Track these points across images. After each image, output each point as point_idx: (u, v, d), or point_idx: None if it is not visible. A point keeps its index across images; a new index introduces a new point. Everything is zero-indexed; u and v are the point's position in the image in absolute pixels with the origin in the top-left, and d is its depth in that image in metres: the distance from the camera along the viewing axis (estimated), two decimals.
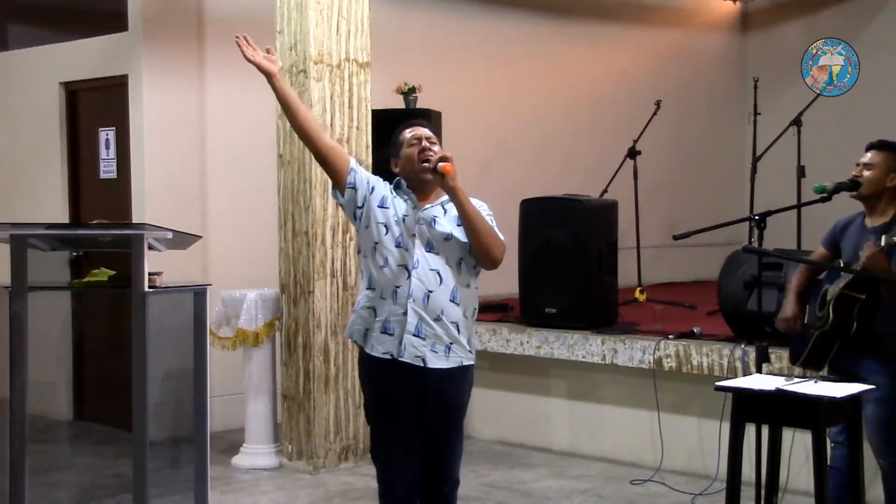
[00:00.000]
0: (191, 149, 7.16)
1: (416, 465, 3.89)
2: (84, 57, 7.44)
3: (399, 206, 3.86)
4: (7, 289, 4.39)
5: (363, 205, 3.86)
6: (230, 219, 7.24)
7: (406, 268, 3.78)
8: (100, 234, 4.69)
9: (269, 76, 3.82)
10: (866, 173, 4.47)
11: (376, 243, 3.83)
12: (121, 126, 7.12)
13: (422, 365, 3.79)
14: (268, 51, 3.86)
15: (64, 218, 7.37)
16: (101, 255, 5.41)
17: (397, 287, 3.79)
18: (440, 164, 3.75)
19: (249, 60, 3.80)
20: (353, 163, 3.90)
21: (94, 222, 5.15)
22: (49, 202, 7.47)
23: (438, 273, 3.79)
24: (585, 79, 9.57)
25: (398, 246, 3.80)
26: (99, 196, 7.39)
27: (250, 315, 6.22)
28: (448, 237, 3.82)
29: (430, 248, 3.81)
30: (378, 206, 3.85)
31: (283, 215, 6.28)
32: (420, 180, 3.86)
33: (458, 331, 3.84)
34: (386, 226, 3.82)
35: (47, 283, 5.04)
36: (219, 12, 7.24)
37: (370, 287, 3.86)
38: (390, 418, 3.88)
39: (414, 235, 3.81)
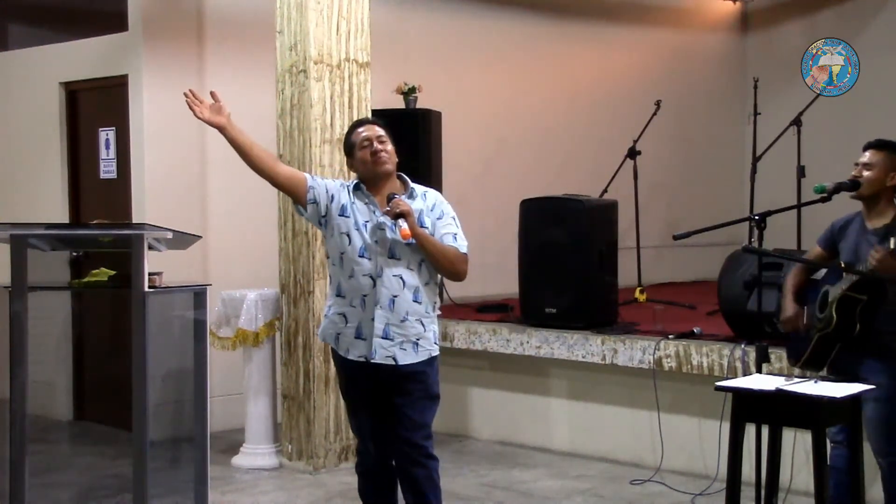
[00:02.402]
0: (191, 149, 7.15)
1: (388, 439, 4.22)
2: (84, 57, 7.44)
3: (359, 211, 4.12)
4: (7, 289, 4.38)
5: (326, 214, 4.15)
6: (230, 219, 7.24)
7: (371, 277, 4.07)
8: (100, 234, 4.69)
9: (221, 129, 4.07)
10: (866, 173, 4.45)
11: (342, 254, 4.11)
12: (121, 126, 7.12)
13: (393, 363, 4.10)
14: (213, 96, 4.08)
15: (64, 218, 7.37)
16: (101, 255, 5.40)
17: (364, 295, 4.09)
18: (398, 221, 4.00)
19: (199, 118, 4.04)
20: (310, 180, 4.18)
21: (94, 222, 5.15)
22: (49, 202, 7.47)
23: (401, 278, 4.09)
24: (585, 79, 9.58)
25: (362, 256, 4.08)
26: (99, 196, 7.39)
27: (250, 315, 6.22)
28: (408, 242, 4.05)
29: (392, 254, 4.09)
30: (339, 216, 4.12)
31: (283, 215, 6.28)
32: (376, 178, 4.14)
33: (424, 326, 4.15)
34: (348, 235, 4.10)
35: (47, 283, 5.02)
36: (219, 12, 7.24)
37: (339, 294, 4.16)
38: (361, 407, 4.27)
39: (377, 242, 4.07)
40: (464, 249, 4.16)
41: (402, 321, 4.08)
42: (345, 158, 6.27)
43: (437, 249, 4.09)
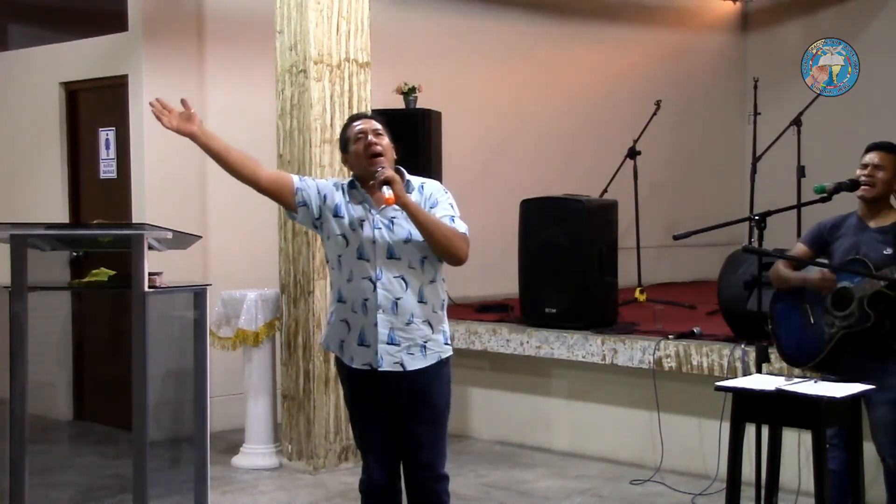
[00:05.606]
0: (191, 149, 7.05)
1: (395, 457, 3.98)
2: (84, 57, 7.44)
3: (354, 211, 3.88)
4: (7, 289, 4.38)
5: (319, 216, 3.92)
6: (230, 219, 7.23)
7: (371, 280, 3.82)
8: (100, 234, 4.69)
9: (192, 138, 3.88)
10: (879, 174, 4.43)
11: (339, 256, 3.88)
12: (121, 126, 7.12)
13: (401, 370, 3.86)
14: (183, 104, 3.89)
15: (64, 218, 7.37)
16: (101, 255, 5.41)
17: (366, 300, 3.84)
18: (384, 188, 3.74)
19: (168, 128, 3.85)
20: (297, 182, 3.94)
21: (94, 222, 5.15)
22: (49, 202, 7.47)
23: (403, 278, 3.84)
24: (585, 79, 9.57)
25: (360, 258, 3.84)
26: (99, 196, 7.39)
27: (250, 315, 6.22)
28: (408, 239, 3.83)
29: (390, 254, 3.83)
30: (334, 217, 3.89)
31: (282, 215, 6.27)
32: (371, 174, 3.84)
33: (431, 328, 3.90)
34: (345, 237, 3.87)
35: (47, 283, 5.03)
36: (219, 12, 7.24)
37: (340, 300, 3.91)
38: (366, 419, 3.99)
39: (374, 242, 3.83)
40: (463, 230, 3.86)
41: (408, 324, 3.83)
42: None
43: (429, 221, 3.77)
